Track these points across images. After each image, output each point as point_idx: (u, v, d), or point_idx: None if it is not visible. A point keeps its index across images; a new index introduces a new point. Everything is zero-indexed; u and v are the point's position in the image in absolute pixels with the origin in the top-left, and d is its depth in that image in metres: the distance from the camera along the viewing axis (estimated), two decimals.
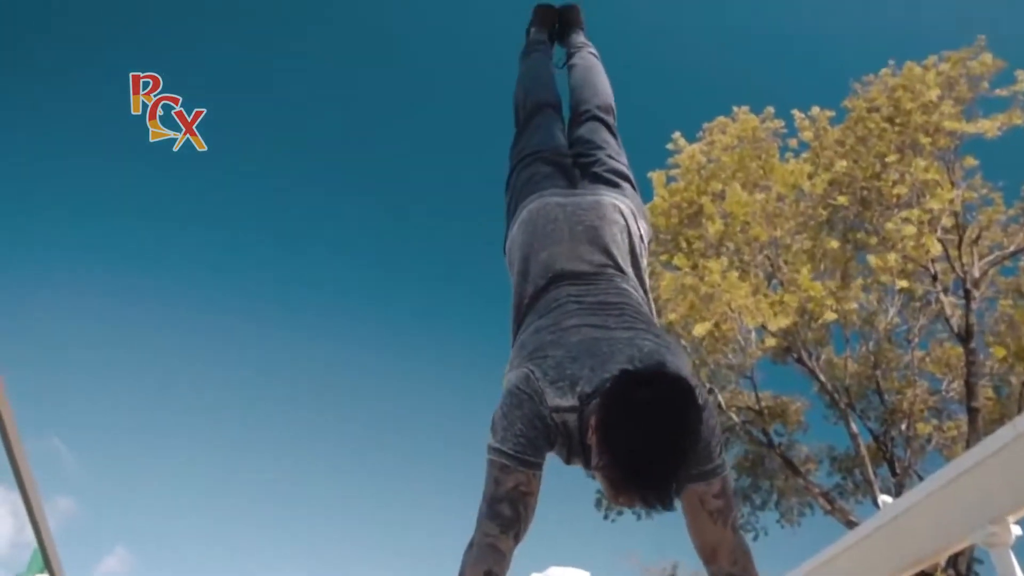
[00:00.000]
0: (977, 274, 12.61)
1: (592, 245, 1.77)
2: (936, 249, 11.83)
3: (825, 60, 20.41)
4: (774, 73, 20.97)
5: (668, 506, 1.25)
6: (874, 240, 12.24)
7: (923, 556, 11.25)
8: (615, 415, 1.27)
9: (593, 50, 2.46)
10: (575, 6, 2.60)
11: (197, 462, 28.52)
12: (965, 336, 12.68)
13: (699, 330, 14.23)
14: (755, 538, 16.40)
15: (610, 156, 2.10)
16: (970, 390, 12.80)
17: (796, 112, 13.46)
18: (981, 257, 12.84)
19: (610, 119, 2.23)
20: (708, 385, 16.42)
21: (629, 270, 1.81)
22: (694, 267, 13.41)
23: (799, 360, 15.26)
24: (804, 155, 13.29)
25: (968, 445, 11.81)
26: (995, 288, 13.61)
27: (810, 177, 12.61)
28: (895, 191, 11.63)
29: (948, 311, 13.23)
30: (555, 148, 2.12)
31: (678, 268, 13.88)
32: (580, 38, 2.51)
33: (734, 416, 16.22)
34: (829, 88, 14.46)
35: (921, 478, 14.05)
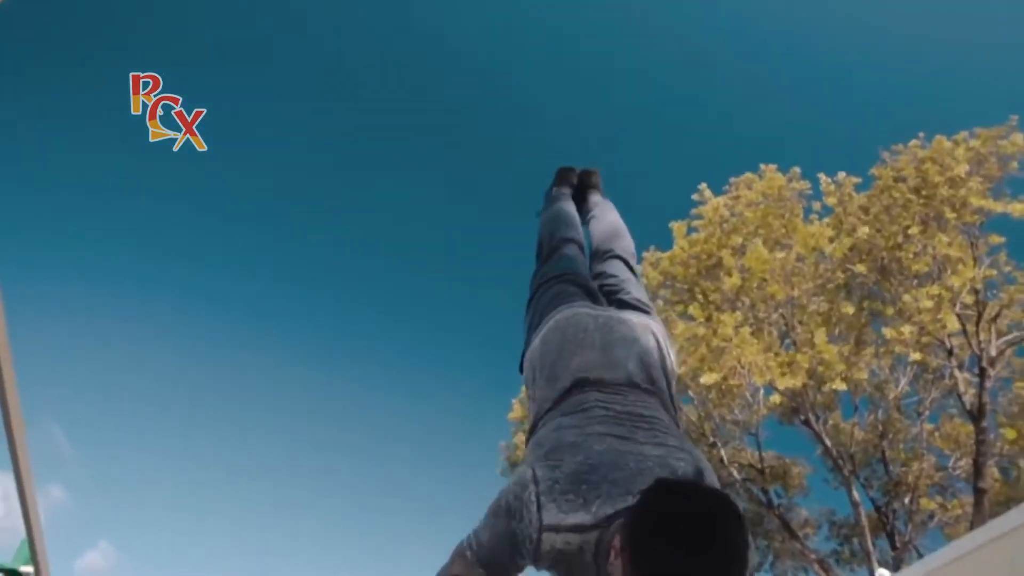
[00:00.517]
0: (994, 352, 12.48)
1: (626, 356, 1.71)
2: (953, 325, 11.74)
3: (856, 127, 20.53)
4: (805, 135, 21.10)
5: None
6: (891, 311, 12.16)
7: None
8: (651, 532, 1.11)
9: (612, 206, 2.52)
10: (595, 170, 2.69)
11: (190, 463, 28.52)
12: (977, 414, 12.51)
13: (707, 379, 14.14)
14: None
15: (636, 289, 2.12)
16: (978, 470, 12.59)
17: (822, 176, 13.51)
18: (999, 335, 12.72)
19: (632, 263, 2.28)
20: (712, 439, 16.31)
21: (663, 387, 1.74)
22: (708, 319, 13.38)
23: (805, 422, 15.11)
24: (827, 220, 13.30)
25: (972, 526, 11.59)
26: (1011, 368, 13.46)
27: (831, 240, 12.60)
28: (916, 265, 11.59)
29: (961, 387, 13.08)
30: (581, 273, 2.13)
31: (692, 318, 13.84)
32: (598, 198, 2.58)
33: (735, 473, 16.05)
34: (857, 155, 14.52)
35: (920, 554, 13.78)
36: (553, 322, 1.83)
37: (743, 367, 12.46)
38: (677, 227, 14.82)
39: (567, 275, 2.06)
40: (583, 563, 1.29)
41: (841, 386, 12.11)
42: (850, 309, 12.38)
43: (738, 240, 13.83)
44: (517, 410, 17.37)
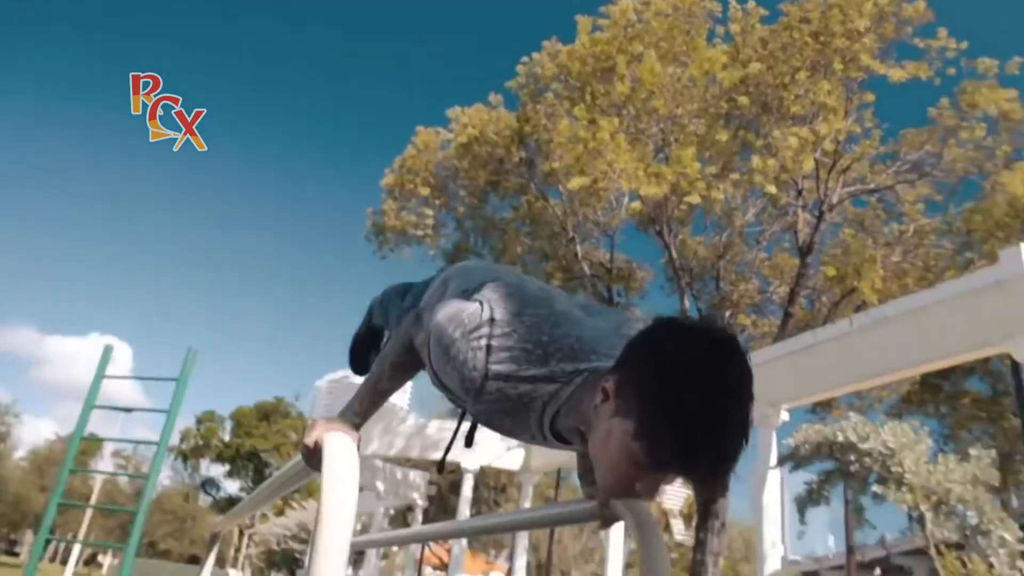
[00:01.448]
0: (835, 200, 13.71)
1: None
2: (810, 167, 12.71)
3: None
4: None
5: (723, 485, 1.04)
6: (760, 143, 12.90)
7: None
8: (669, 366, 0.99)
9: None
10: None
11: None
12: (806, 251, 13.92)
13: (575, 184, 14.74)
14: None
15: None
16: (792, 297, 14.25)
17: (733, 2, 13.53)
18: (845, 185, 13.92)
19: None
20: (571, 235, 17.30)
21: None
22: (591, 122, 13.64)
23: (659, 232, 16.28)
24: (726, 47, 13.51)
25: (775, 342, 13.40)
26: (844, 216, 14.89)
27: (724, 68, 12.90)
28: (794, 107, 12.22)
29: (800, 225, 14.41)
30: None
31: (577, 119, 14.07)
32: None
33: (586, 269, 17.29)
34: None
35: None
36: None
37: (614, 172, 13.00)
38: (583, 22, 14.54)
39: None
40: (522, 404, 1.20)
41: (697, 200, 12.95)
42: (724, 136, 13.00)
43: (638, 48, 13.82)
44: (389, 178, 17.41)
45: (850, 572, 25.92)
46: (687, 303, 16.53)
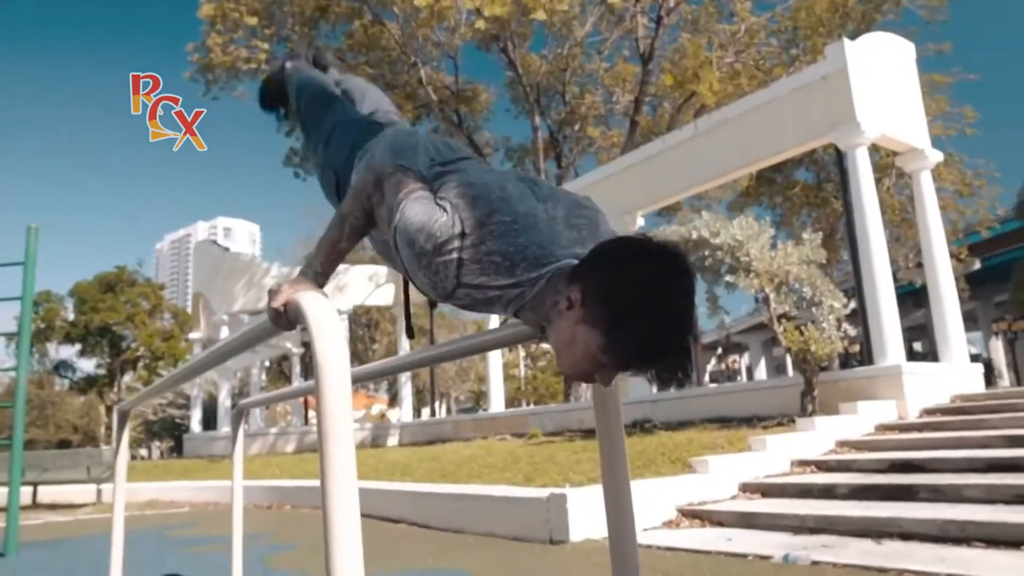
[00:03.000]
0: (672, 3, 13.81)
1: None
2: None
3: None
4: None
5: (684, 381, 1.17)
6: None
7: None
8: (631, 287, 1.11)
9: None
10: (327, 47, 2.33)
11: None
12: (647, 58, 14.15)
13: (418, 4, 13.99)
14: None
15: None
16: (637, 106, 14.63)
17: None
18: None
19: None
20: (413, 59, 16.62)
21: None
22: None
23: (503, 50, 15.96)
24: None
25: (623, 152, 13.89)
26: (681, 19, 15.11)
27: None
28: None
29: (639, 31, 14.53)
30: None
31: None
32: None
33: (432, 94, 16.83)
34: None
35: (578, 175, 16.36)
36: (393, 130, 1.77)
37: None
38: None
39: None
40: (490, 301, 1.28)
41: (543, 16, 12.72)
42: None
43: None
44: (207, 8, 15.55)
45: (696, 353, 29.16)
46: (537, 121, 16.64)
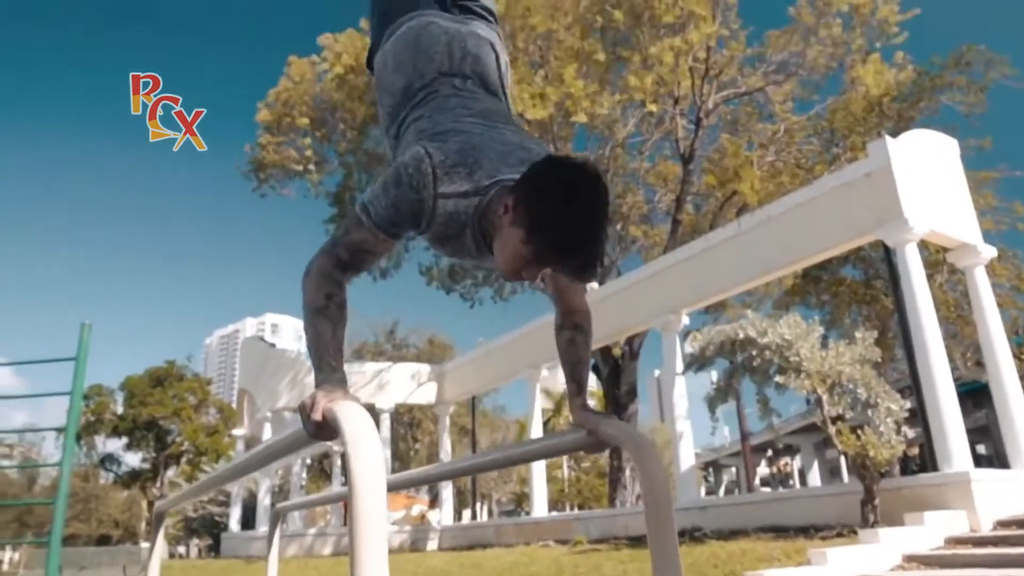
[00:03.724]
0: (711, 105, 14.10)
1: (473, 73, 1.84)
2: (687, 82, 12.98)
3: None
4: None
5: (593, 275, 1.36)
6: (637, 58, 13.01)
7: (612, 334, 13.54)
8: (549, 189, 1.32)
9: None
10: None
11: None
12: (687, 158, 14.34)
13: None
14: (472, 307, 18.24)
15: None
16: (679, 205, 14.73)
17: None
18: (718, 90, 14.31)
19: None
20: None
21: (502, 97, 1.90)
22: None
23: None
24: None
25: (666, 250, 13.90)
26: (720, 120, 15.39)
27: None
28: (665, 16, 12.34)
29: (679, 133, 14.80)
30: None
31: None
32: None
33: None
34: None
35: (620, 273, 16.35)
36: (405, 28, 1.91)
37: None
38: None
39: None
40: (460, 222, 1.52)
41: (583, 119, 13.04)
42: (602, 56, 13.02)
43: None
44: (265, 113, 16.50)
45: (746, 456, 28.05)
46: None
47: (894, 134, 10.34)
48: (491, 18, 2.09)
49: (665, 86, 13.10)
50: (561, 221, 1.29)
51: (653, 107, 13.12)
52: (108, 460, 42.52)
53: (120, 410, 41.02)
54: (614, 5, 13.03)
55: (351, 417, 1.14)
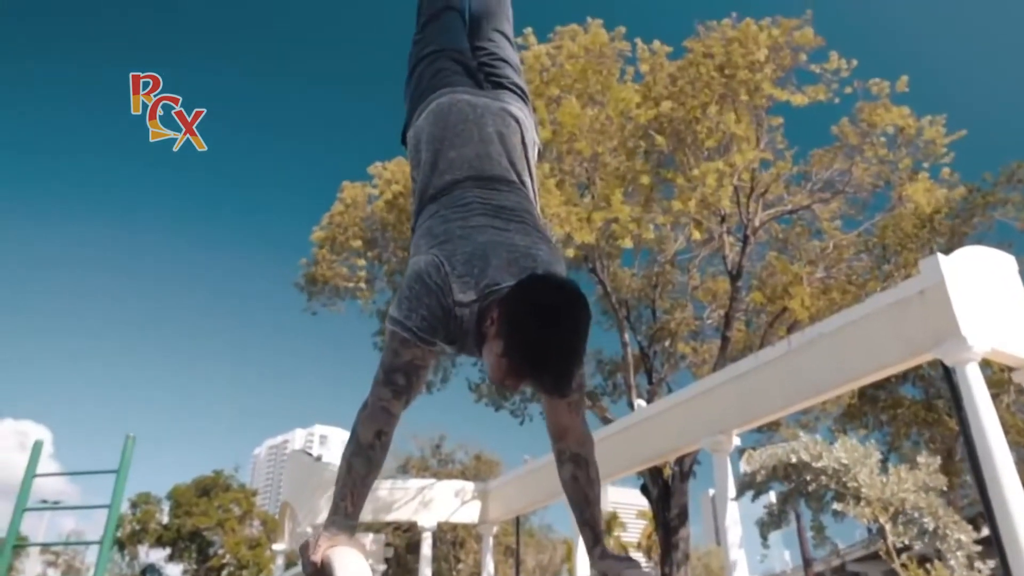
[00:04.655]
0: (757, 223, 14.17)
1: (498, 151, 1.89)
2: (728, 205, 13.14)
3: None
4: None
5: (563, 393, 1.45)
6: (681, 180, 13.27)
7: (661, 454, 13.13)
8: (528, 310, 1.40)
9: None
10: None
11: None
12: (736, 275, 14.29)
13: None
14: (521, 423, 18.00)
15: (513, 71, 2.18)
16: (728, 321, 14.56)
17: (639, 42, 14.02)
18: (765, 208, 14.41)
19: (511, 35, 2.31)
20: None
21: (526, 179, 1.94)
22: None
23: (592, 270, 16.51)
24: (637, 85, 13.94)
25: (715, 367, 13.64)
26: (769, 236, 15.41)
27: (638, 106, 13.28)
28: (708, 141, 12.66)
29: (726, 250, 14.82)
30: (462, 49, 2.15)
31: None
32: None
33: None
34: (677, 22, 15.15)
35: (671, 390, 16.04)
36: (435, 104, 1.95)
37: (547, 218, 13.16)
38: None
39: (449, 50, 2.12)
40: (465, 329, 1.58)
41: (629, 245, 13.21)
42: (646, 180, 13.32)
43: (555, 91, 14.12)
44: (320, 233, 17.23)
45: None
46: (627, 337, 16.74)
47: (947, 250, 10.18)
48: (522, 94, 2.14)
49: (709, 206, 13.25)
50: (533, 341, 1.37)
51: (697, 233, 13.25)
52: (149, 571, 42.02)
53: (166, 519, 40.93)
54: (657, 130, 13.42)
55: (346, 567, 1.12)
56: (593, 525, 1.73)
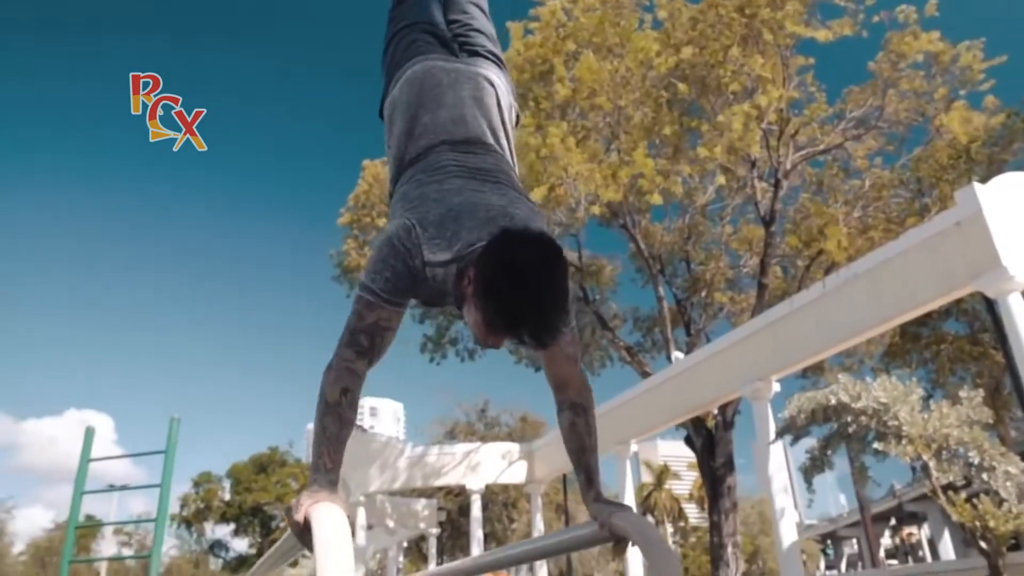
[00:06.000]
0: (789, 166, 13.85)
1: (474, 116, 1.90)
2: (756, 149, 12.84)
3: None
4: None
5: (546, 345, 1.42)
6: (706, 127, 13.01)
7: (702, 404, 13.13)
8: (499, 268, 1.40)
9: None
10: None
11: None
12: (769, 220, 14.04)
13: (535, 195, 14.76)
14: None
15: (488, 40, 2.20)
16: (763, 268, 14.36)
17: None
18: (796, 150, 14.07)
19: (486, 8, 2.31)
20: None
21: (503, 141, 1.96)
22: (538, 127, 13.65)
23: (623, 226, 16.35)
24: (657, 33, 13.61)
25: (753, 315, 13.50)
26: (802, 179, 15.06)
27: (658, 55, 13.00)
28: (732, 85, 12.35)
29: (759, 196, 14.55)
30: (435, 22, 2.17)
31: (523, 126, 14.08)
32: None
33: None
34: None
35: (710, 340, 15.94)
36: (410, 72, 1.98)
37: (569, 177, 13.04)
38: (514, 28, 14.54)
39: (422, 23, 2.15)
40: (443, 290, 1.61)
41: (658, 200, 13.05)
42: (670, 130, 13.08)
43: (572, 47, 13.87)
44: (345, 217, 17.36)
45: (866, 526, 26.10)
46: (661, 290, 16.62)
47: (985, 179, 9.86)
48: (497, 61, 2.15)
49: (737, 152, 12.98)
50: (507, 299, 1.38)
51: (722, 180, 13.00)
52: (217, 546, 43.64)
53: (228, 496, 42.35)
54: (679, 78, 13.14)
55: (325, 523, 1.15)
56: (588, 470, 1.78)
